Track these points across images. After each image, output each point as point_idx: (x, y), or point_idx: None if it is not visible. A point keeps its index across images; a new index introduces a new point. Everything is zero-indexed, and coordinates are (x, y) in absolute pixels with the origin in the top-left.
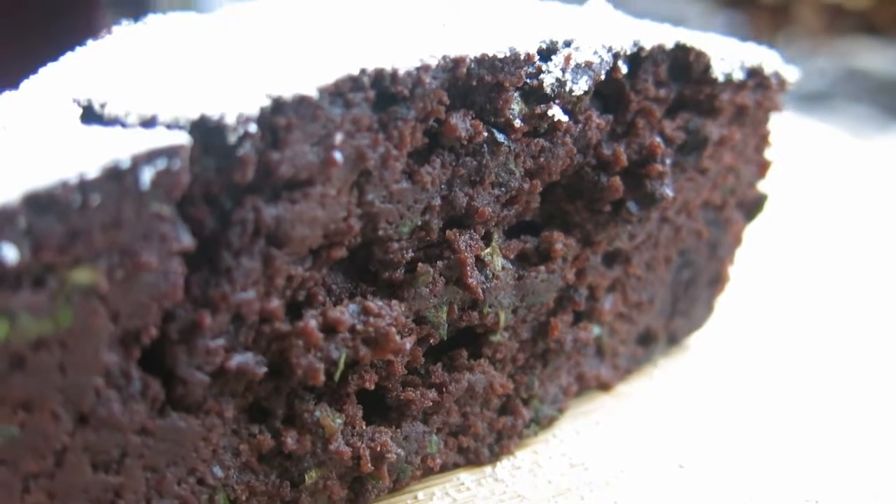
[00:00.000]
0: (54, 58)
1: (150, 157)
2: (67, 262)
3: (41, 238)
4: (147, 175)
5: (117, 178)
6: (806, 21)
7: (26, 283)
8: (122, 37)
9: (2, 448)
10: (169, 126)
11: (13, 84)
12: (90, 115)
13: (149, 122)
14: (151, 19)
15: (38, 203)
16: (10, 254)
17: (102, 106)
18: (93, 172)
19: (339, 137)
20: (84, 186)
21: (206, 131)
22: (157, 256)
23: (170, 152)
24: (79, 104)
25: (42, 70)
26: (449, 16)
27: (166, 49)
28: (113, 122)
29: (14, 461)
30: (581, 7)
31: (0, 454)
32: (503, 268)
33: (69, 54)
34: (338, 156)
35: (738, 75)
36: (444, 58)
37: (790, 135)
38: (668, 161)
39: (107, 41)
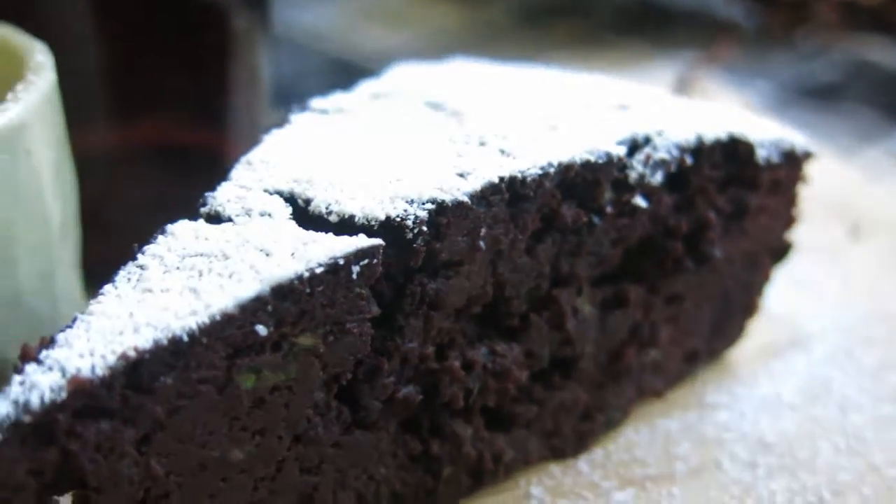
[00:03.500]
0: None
1: (358, 256)
2: (297, 332)
3: (282, 316)
4: (356, 269)
5: (336, 272)
6: (822, 16)
7: (268, 347)
8: (299, 125)
9: (244, 461)
10: (363, 226)
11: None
12: (296, 209)
13: (347, 221)
14: (315, 103)
15: (281, 292)
16: (262, 330)
17: (306, 203)
18: (319, 269)
19: (483, 230)
20: (313, 279)
21: (389, 229)
22: (357, 324)
23: (372, 252)
24: (283, 197)
25: (242, 159)
26: (557, 119)
27: (337, 141)
28: (317, 218)
29: (250, 469)
30: (648, 89)
31: (242, 465)
32: (590, 313)
33: (263, 144)
34: (482, 244)
35: (775, 159)
36: (559, 164)
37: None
38: (718, 229)
39: (287, 131)
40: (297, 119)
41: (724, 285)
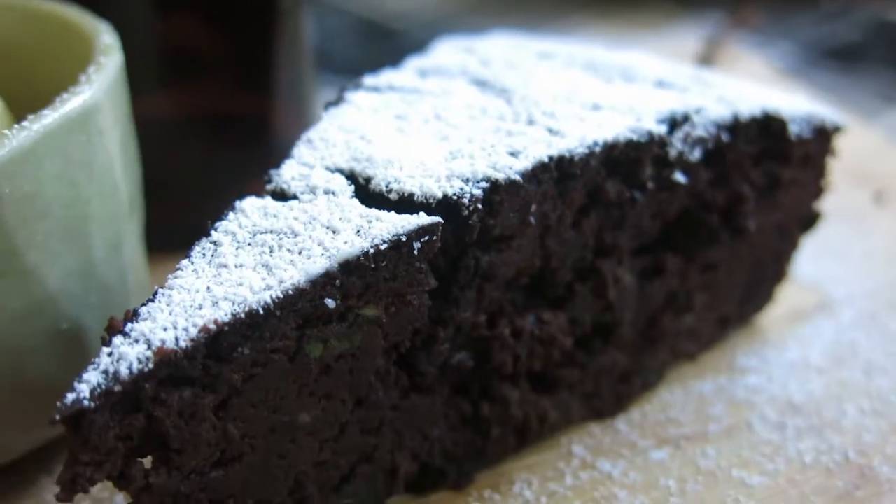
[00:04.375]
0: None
1: (419, 233)
2: (361, 304)
3: (348, 290)
4: (417, 245)
5: (398, 248)
6: None
7: (335, 318)
8: (355, 103)
9: (311, 423)
10: (421, 203)
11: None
12: (357, 186)
13: (406, 198)
14: (368, 81)
15: (348, 267)
16: (330, 303)
17: (367, 180)
18: (383, 245)
19: (533, 207)
20: (377, 255)
21: (446, 206)
22: (416, 296)
23: (432, 229)
24: (343, 175)
25: (303, 136)
26: (599, 97)
27: (391, 119)
28: (377, 195)
29: (317, 431)
30: (683, 65)
31: (309, 427)
32: (629, 281)
33: (322, 122)
34: (532, 219)
35: (807, 134)
36: (604, 143)
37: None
38: (751, 202)
39: (343, 109)
40: (352, 97)
41: (756, 254)
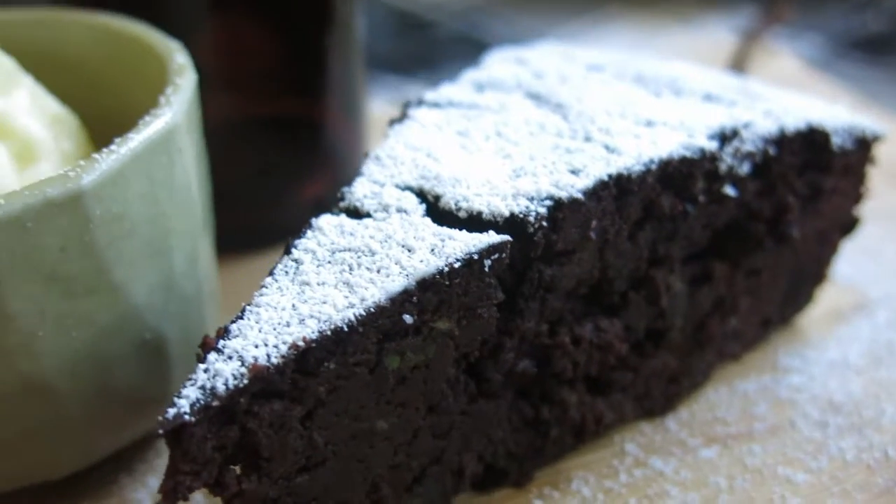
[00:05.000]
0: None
1: (490, 251)
2: (435, 318)
3: (424, 306)
4: (487, 263)
5: (471, 265)
6: None
7: (411, 332)
8: (418, 120)
9: (387, 430)
10: (489, 221)
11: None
12: (427, 204)
13: (475, 217)
14: (428, 96)
15: (424, 284)
16: (408, 318)
17: (436, 198)
18: (457, 263)
19: (594, 223)
20: (451, 273)
21: (513, 224)
22: (486, 309)
23: (502, 247)
24: (413, 192)
25: (371, 154)
26: (651, 112)
27: (454, 135)
28: (447, 213)
29: (392, 437)
30: (728, 76)
31: (386, 433)
32: (680, 289)
33: (389, 140)
34: (593, 234)
35: (848, 145)
36: (659, 160)
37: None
38: (796, 211)
39: (407, 126)
40: (415, 113)
41: (798, 258)
